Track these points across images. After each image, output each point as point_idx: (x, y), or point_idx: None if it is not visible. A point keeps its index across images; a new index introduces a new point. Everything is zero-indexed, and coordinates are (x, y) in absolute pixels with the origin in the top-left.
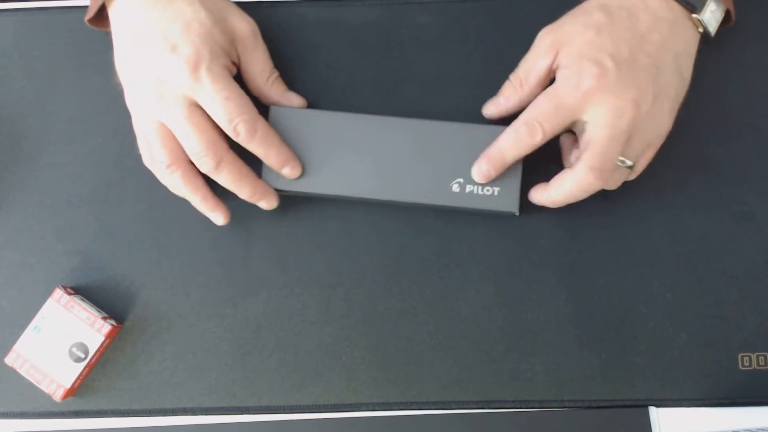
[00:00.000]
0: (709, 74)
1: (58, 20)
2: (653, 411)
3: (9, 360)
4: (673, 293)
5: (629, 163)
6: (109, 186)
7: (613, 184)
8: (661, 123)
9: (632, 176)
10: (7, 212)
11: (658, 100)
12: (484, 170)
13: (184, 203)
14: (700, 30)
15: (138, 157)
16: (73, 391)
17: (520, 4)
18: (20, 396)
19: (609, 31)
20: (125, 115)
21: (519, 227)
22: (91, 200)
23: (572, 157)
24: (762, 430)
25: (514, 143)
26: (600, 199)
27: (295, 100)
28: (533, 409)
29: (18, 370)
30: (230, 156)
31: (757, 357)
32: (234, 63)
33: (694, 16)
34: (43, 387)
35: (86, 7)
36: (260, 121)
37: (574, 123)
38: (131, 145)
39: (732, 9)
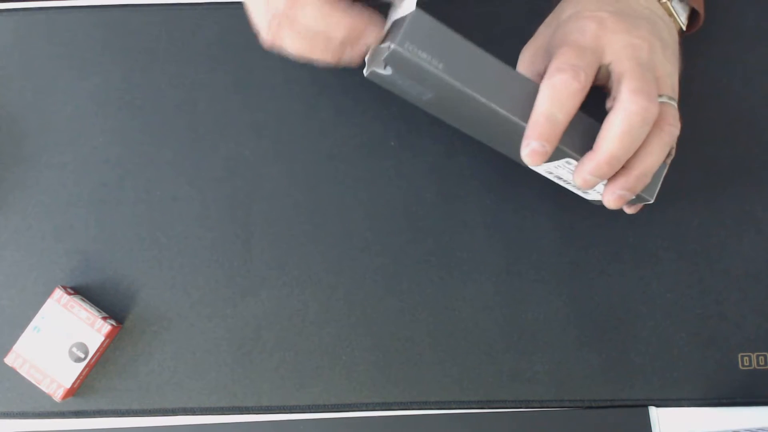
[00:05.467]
0: (711, 75)
1: (58, 20)
2: (653, 411)
3: (9, 360)
4: (673, 293)
5: (670, 95)
6: (109, 186)
7: (674, 123)
8: (674, 67)
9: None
10: (7, 212)
11: (662, 44)
12: (538, 149)
13: (184, 203)
14: (673, 17)
15: (138, 157)
16: (73, 391)
17: (519, 5)
18: (20, 396)
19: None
20: (125, 115)
21: (519, 227)
22: (91, 200)
23: (609, 102)
24: (762, 430)
25: (559, 95)
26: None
27: None
28: (533, 409)
29: (18, 370)
30: None
31: (757, 357)
32: None
33: (663, 0)
34: (43, 387)
35: (86, 7)
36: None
37: (600, 69)
38: (131, 145)
39: (700, 9)
